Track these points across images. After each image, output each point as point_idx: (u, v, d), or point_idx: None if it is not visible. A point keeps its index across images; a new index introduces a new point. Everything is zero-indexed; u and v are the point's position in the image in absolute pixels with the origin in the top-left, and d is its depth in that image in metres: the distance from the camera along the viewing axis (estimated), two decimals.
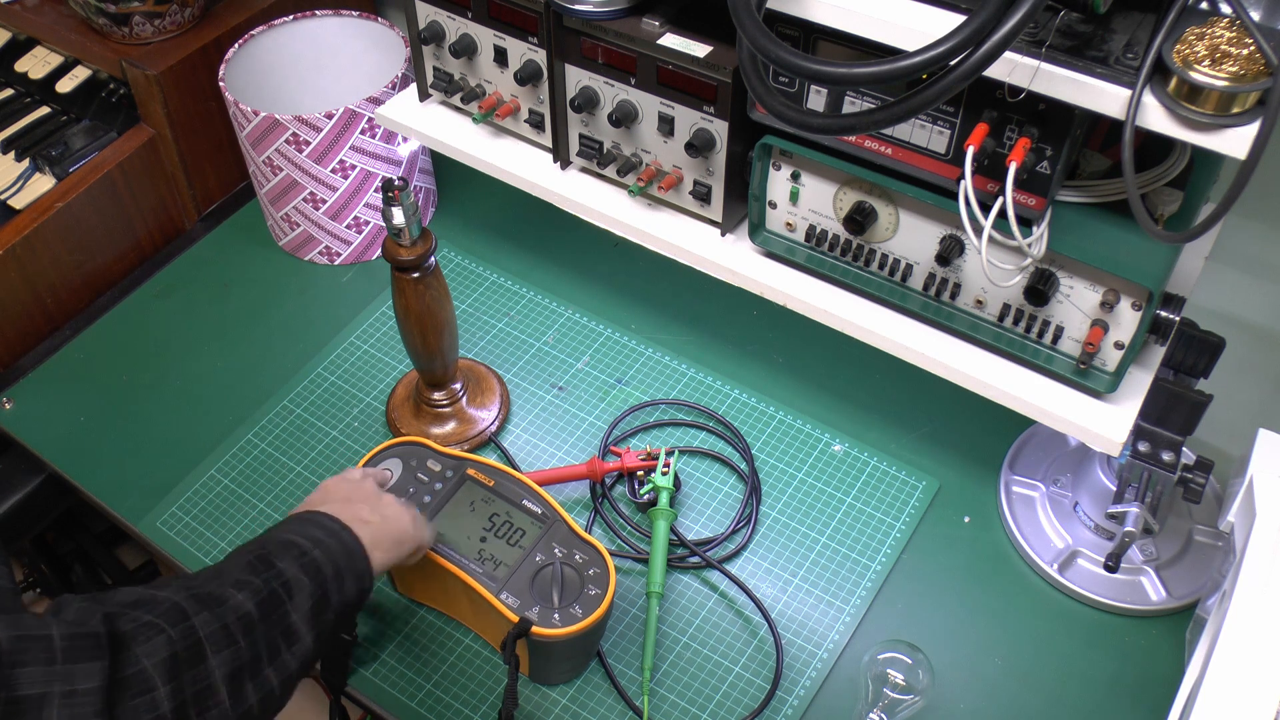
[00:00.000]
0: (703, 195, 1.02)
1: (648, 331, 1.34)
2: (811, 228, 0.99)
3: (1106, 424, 0.91)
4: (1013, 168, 0.77)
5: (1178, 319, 0.87)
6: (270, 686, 0.78)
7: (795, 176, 0.97)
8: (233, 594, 0.77)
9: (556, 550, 0.99)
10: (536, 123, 1.10)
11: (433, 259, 1.09)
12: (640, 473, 1.16)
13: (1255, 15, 0.71)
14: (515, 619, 0.94)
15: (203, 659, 0.73)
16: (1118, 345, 0.89)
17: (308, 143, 1.27)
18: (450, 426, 1.22)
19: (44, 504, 1.29)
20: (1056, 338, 0.91)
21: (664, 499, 1.11)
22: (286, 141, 1.27)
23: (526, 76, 1.05)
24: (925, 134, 0.86)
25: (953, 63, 0.66)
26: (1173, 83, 0.70)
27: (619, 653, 1.06)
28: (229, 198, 1.50)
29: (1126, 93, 0.71)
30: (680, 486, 1.16)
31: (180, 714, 0.71)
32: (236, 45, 1.34)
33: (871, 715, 0.99)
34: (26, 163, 1.37)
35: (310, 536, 0.86)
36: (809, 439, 1.23)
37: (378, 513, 0.93)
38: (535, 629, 0.94)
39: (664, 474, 1.13)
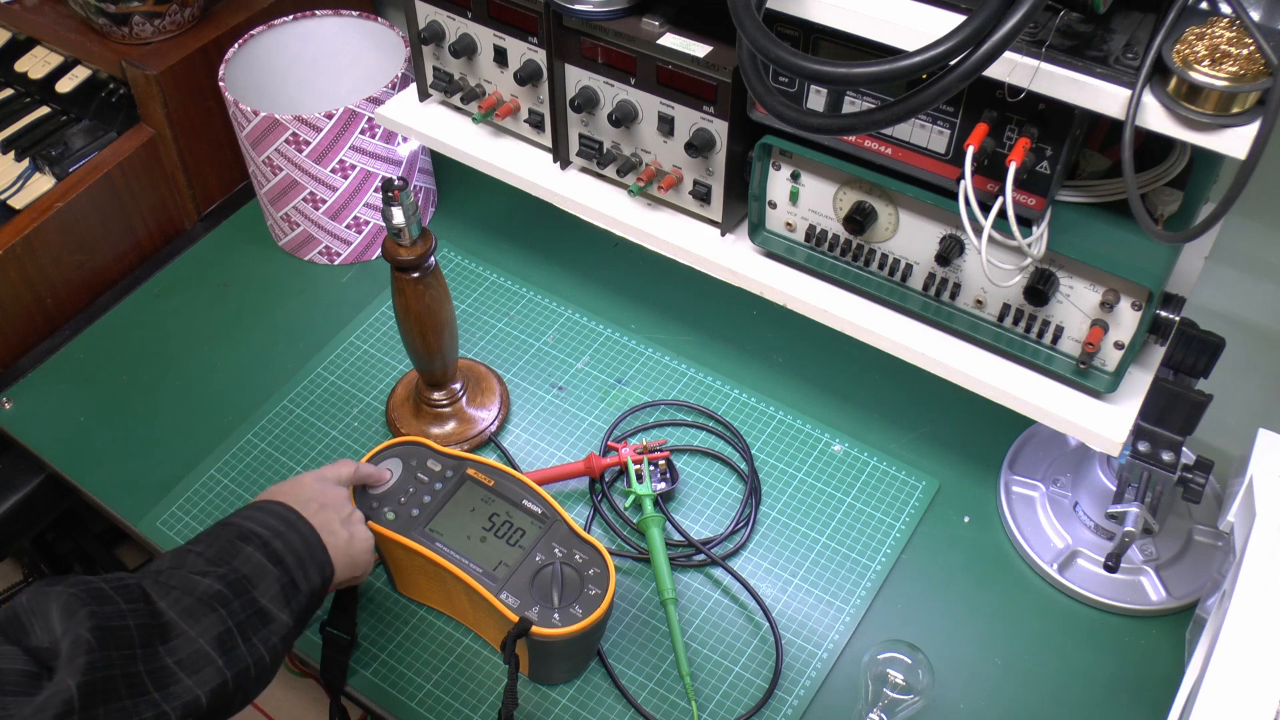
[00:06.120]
0: (703, 195, 1.02)
1: (648, 331, 1.34)
2: (811, 228, 0.99)
3: (1106, 424, 0.91)
4: (1013, 168, 0.77)
5: (1178, 319, 0.87)
6: (258, 654, 0.82)
7: (795, 176, 0.97)
8: (198, 580, 0.81)
9: (556, 550, 0.99)
10: (536, 123, 1.10)
11: (433, 259, 1.09)
12: (628, 471, 1.16)
13: (1255, 15, 0.71)
14: (515, 619, 0.94)
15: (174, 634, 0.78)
16: (1118, 345, 0.89)
17: (307, 143, 1.27)
18: (450, 426, 1.22)
19: (44, 504, 1.29)
20: (1056, 338, 0.91)
21: (648, 506, 1.11)
22: (286, 141, 1.27)
23: (526, 76, 1.05)
24: (925, 134, 0.86)
25: (953, 63, 0.66)
26: (1173, 83, 0.70)
27: (619, 653, 1.06)
28: (229, 198, 1.50)
29: (1126, 93, 0.71)
30: (677, 478, 1.16)
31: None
32: (236, 45, 1.34)
33: (871, 715, 0.99)
34: (26, 163, 1.37)
35: (269, 526, 0.88)
36: (809, 439, 1.23)
37: (347, 529, 0.95)
38: (535, 629, 0.94)
39: (641, 482, 1.13)
